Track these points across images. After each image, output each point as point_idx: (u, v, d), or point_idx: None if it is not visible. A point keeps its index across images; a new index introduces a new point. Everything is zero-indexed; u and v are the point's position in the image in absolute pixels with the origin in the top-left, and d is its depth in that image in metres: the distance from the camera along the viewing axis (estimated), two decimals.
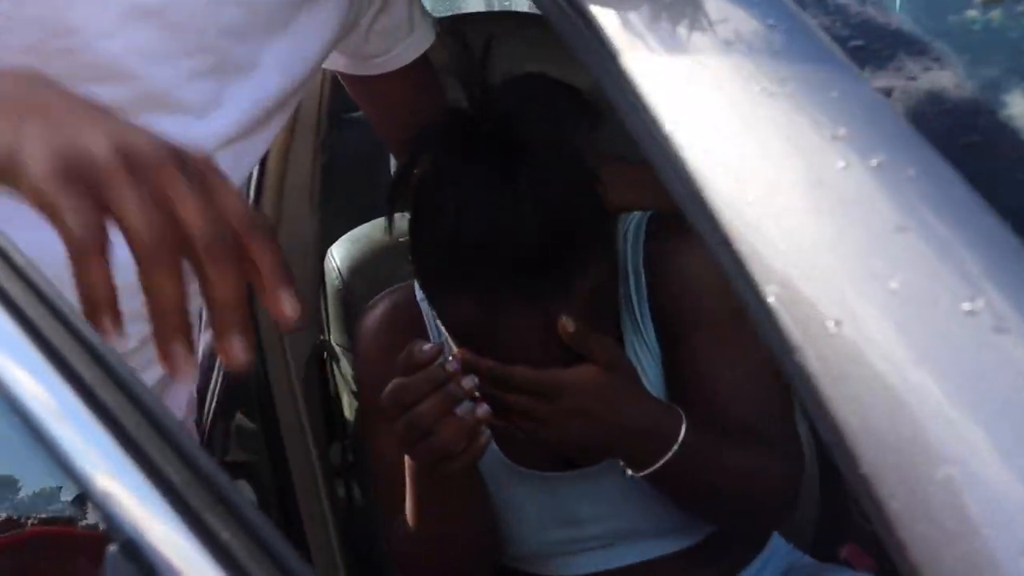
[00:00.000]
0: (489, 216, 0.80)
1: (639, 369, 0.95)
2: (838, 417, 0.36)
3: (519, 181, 0.80)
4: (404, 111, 1.07)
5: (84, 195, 0.48)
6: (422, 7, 1.07)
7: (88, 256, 0.47)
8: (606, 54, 0.52)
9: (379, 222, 1.42)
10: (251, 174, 1.25)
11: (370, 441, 1.08)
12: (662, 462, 0.85)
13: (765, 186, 0.42)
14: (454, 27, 1.22)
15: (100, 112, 0.55)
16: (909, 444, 0.35)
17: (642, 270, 0.98)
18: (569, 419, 0.83)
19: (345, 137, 1.72)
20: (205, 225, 0.49)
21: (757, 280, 0.40)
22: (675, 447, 0.84)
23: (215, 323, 0.48)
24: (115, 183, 0.49)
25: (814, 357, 0.38)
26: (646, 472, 0.86)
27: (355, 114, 1.98)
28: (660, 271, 0.97)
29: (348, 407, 1.37)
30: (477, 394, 0.82)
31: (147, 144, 0.51)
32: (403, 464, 0.93)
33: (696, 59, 0.48)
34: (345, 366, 1.36)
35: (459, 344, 0.87)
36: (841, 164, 0.40)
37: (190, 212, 0.49)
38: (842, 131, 0.41)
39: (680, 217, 1.02)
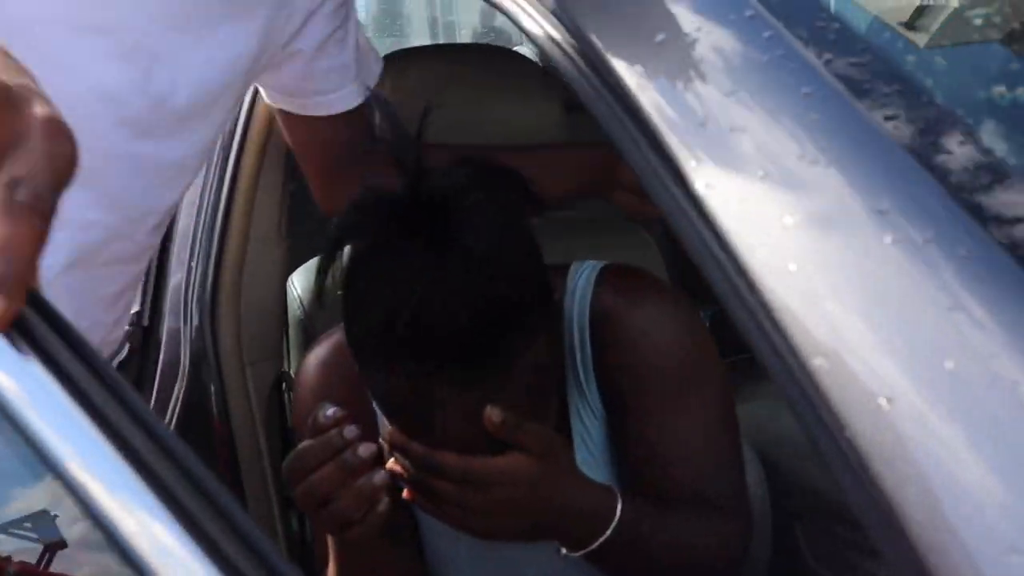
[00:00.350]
0: (420, 303, 0.75)
1: (583, 432, 0.93)
2: (891, 499, 0.35)
3: (452, 269, 0.75)
4: (333, 150, 1.05)
5: None
6: (374, 54, 1.06)
7: None
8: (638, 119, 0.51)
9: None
10: (222, 197, 1.23)
11: None
12: (598, 543, 0.82)
13: (808, 256, 0.41)
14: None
15: None
16: (968, 529, 0.33)
17: (587, 327, 0.93)
18: (498, 509, 0.80)
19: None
20: None
21: (802, 351, 0.39)
22: (611, 527, 0.82)
23: None
24: None
25: (863, 434, 0.36)
26: (582, 552, 0.84)
27: None
28: (606, 329, 0.93)
29: None
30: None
31: None
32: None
33: (733, 126, 0.47)
34: None
35: (390, 419, 0.84)
36: (888, 239, 0.39)
37: None
38: (886, 204, 0.40)
39: (632, 271, 1.02)
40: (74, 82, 0.80)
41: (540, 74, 1.46)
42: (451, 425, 0.78)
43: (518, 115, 1.39)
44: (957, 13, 0.63)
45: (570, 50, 0.58)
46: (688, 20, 0.52)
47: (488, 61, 1.50)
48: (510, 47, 2.19)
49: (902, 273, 0.38)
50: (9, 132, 0.37)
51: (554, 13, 0.61)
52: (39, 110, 0.38)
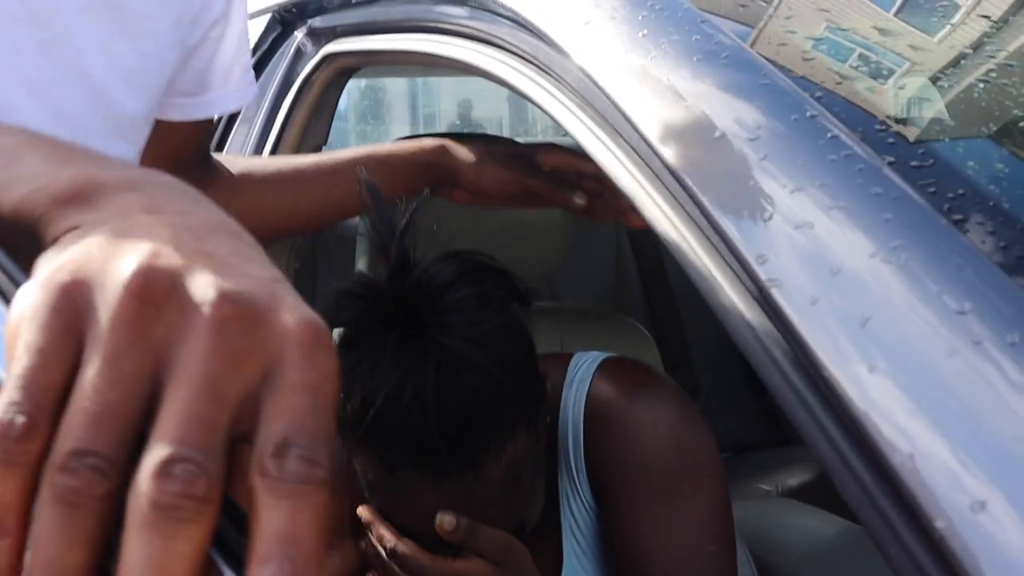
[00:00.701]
0: (389, 398, 0.73)
1: (572, 523, 0.91)
2: None
3: (425, 368, 0.73)
4: (174, 157, 0.93)
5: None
6: (249, 68, 0.99)
7: None
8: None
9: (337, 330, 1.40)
10: None
11: None
12: None
13: (890, 356, 0.40)
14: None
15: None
16: None
17: (581, 418, 0.91)
18: None
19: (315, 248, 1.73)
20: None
21: (884, 450, 0.38)
22: None
23: None
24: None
25: (955, 535, 0.35)
26: None
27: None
28: (599, 421, 0.91)
29: None
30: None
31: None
32: None
33: (800, 223, 0.47)
34: None
35: (368, 492, 0.82)
36: (973, 340, 0.38)
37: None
38: (967, 305, 0.40)
39: (632, 364, 1.01)
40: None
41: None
42: (421, 511, 0.76)
43: (522, 217, 1.42)
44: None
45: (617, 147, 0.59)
46: (748, 117, 0.52)
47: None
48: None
49: (991, 376, 0.37)
50: (262, 361, 0.26)
51: (600, 111, 0.61)
52: (289, 316, 0.27)
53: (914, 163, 0.47)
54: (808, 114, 0.50)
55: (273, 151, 1.21)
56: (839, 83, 0.60)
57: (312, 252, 1.70)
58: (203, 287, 0.27)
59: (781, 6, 0.75)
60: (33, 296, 0.27)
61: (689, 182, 0.51)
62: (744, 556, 1.31)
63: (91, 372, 0.26)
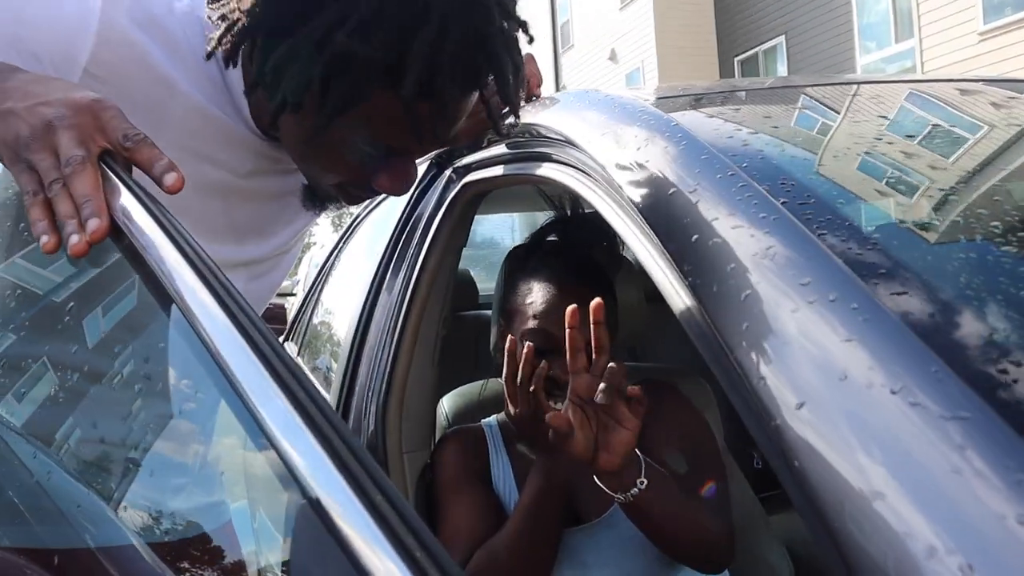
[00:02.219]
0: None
1: None
2: None
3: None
4: None
5: (28, 169, 0.71)
6: None
7: (34, 207, 0.68)
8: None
9: (478, 383, 1.59)
10: (396, 332, 1.46)
11: (443, 512, 1.26)
12: (634, 491, 0.97)
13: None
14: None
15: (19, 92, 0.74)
16: None
17: None
18: (615, 439, 0.94)
19: (458, 323, 1.92)
20: (50, 172, 0.69)
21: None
22: (640, 479, 0.97)
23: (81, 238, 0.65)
24: (34, 156, 0.70)
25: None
26: (626, 497, 0.98)
27: (467, 312, 2.23)
28: None
29: None
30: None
31: (44, 110, 0.71)
32: (468, 528, 1.16)
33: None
34: None
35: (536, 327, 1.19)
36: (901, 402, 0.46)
37: (43, 167, 0.70)
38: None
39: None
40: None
41: (627, 266, 1.62)
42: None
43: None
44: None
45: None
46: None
47: None
48: None
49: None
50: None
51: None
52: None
53: (799, 203, 0.67)
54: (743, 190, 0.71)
55: (432, 243, 1.43)
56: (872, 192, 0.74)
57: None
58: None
59: (811, 132, 0.92)
60: None
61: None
62: (783, 559, 1.43)
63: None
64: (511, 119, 1.07)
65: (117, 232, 0.67)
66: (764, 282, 0.57)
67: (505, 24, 0.90)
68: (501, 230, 4.39)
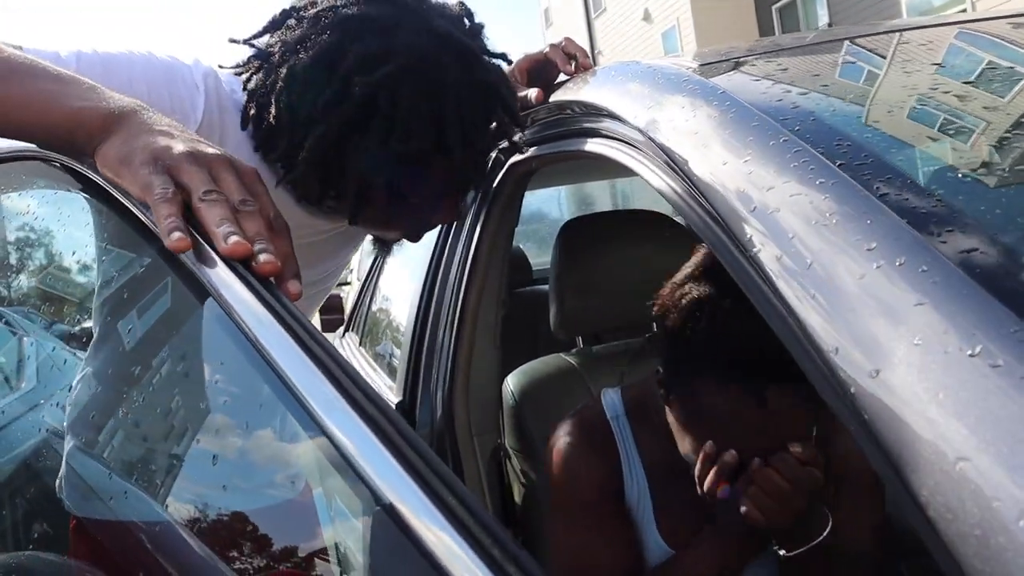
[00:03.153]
0: None
1: None
2: None
3: None
4: None
5: (164, 173, 0.68)
6: None
7: (167, 200, 0.66)
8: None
9: (540, 360, 1.60)
10: (455, 319, 1.47)
11: (557, 527, 1.15)
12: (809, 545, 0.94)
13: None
14: None
15: (180, 130, 0.75)
16: None
17: None
18: (789, 505, 0.92)
19: (515, 301, 1.93)
20: (237, 193, 0.68)
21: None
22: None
23: (259, 264, 0.64)
24: (184, 167, 0.68)
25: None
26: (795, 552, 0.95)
27: (522, 289, 2.23)
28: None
29: (518, 495, 1.49)
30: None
31: (208, 149, 0.71)
32: (581, 549, 1.08)
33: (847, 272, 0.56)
34: (516, 463, 1.49)
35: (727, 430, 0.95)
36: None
37: (228, 184, 0.69)
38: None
39: None
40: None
41: (682, 232, 1.62)
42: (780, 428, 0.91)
43: (666, 265, 1.57)
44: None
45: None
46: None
47: (643, 224, 1.66)
48: None
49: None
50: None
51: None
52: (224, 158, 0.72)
53: (857, 163, 0.66)
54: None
55: (484, 226, 1.44)
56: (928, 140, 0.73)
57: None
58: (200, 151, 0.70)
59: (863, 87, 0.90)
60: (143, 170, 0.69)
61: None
62: None
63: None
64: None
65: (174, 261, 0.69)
66: (828, 249, 0.57)
67: (493, 61, 1.11)
68: (548, 203, 4.39)
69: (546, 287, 1.65)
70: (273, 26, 1.08)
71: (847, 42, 1.08)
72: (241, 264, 0.64)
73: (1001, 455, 0.41)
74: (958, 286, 0.49)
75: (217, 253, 0.64)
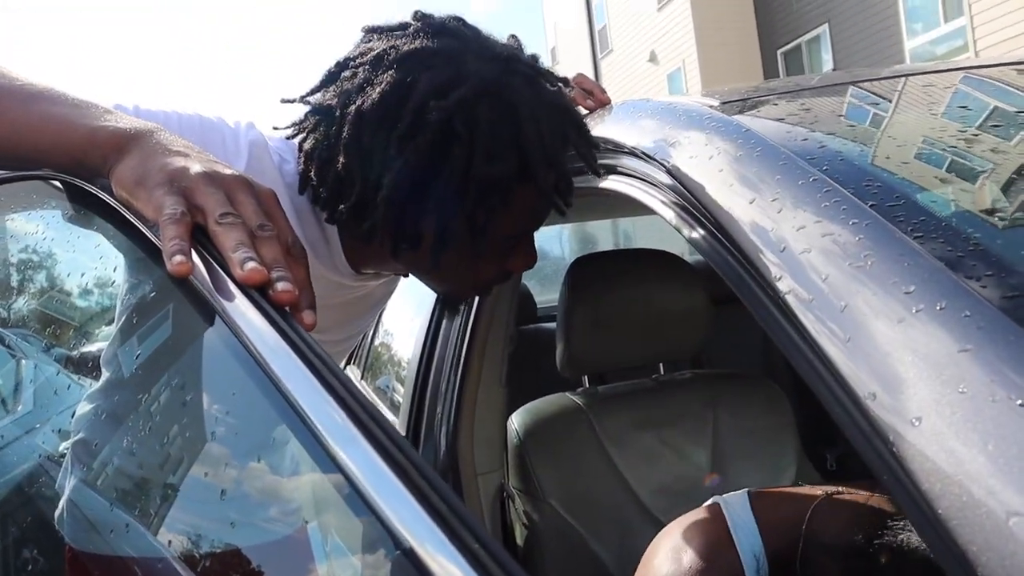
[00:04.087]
0: None
1: None
2: None
3: None
4: None
5: (179, 195, 0.66)
6: None
7: (175, 222, 0.64)
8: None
9: (546, 399, 1.58)
10: (461, 359, 1.46)
11: None
12: None
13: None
14: None
15: (197, 151, 0.73)
16: None
17: None
18: None
19: (520, 339, 1.92)
20: (254, 217, 0.66)
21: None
22: None
23: (276, 292, 0.62)
24: (200, 188, 0.67)
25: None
26: None
27: (527, 326, 2.22)
28: None
29: (520, 536, 1.47)
30: None
31: (225, 170, 0.69)
32: None
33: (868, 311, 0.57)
34: (519, 503, 1.46)
35: None
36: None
37: (245, 207, 0.66)
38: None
39: None
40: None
41: (691, 272, 1.61)
42: None
43: (674, 305, 1.58)
44: None
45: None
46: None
47: (651, 263, 1.65)
48: None
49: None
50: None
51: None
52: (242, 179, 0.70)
53: (889, 204, 0.65)
54: (865, 223, 0.64)
55: None
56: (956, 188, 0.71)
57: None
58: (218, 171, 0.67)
59: (888, 129, 0.89)
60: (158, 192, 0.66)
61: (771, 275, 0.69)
62: None
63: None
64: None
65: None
66: (864, 292, 0.55)
67: (558, 85, 1.06)
68: (550, 242, 4.39)
69: (550, 325, 1.64)
70: (329, 79, 1.04)
71: (866, 84, 1.08)
72: (257, 291, 0.62)
73: None
74: (1004, 332, 0.47)
75: (232, 279, 0.63)
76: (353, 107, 0.97)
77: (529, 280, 3.05)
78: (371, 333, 2.55)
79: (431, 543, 0.45)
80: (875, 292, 0.55)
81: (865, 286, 0.56)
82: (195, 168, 0.69)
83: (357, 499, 0.50)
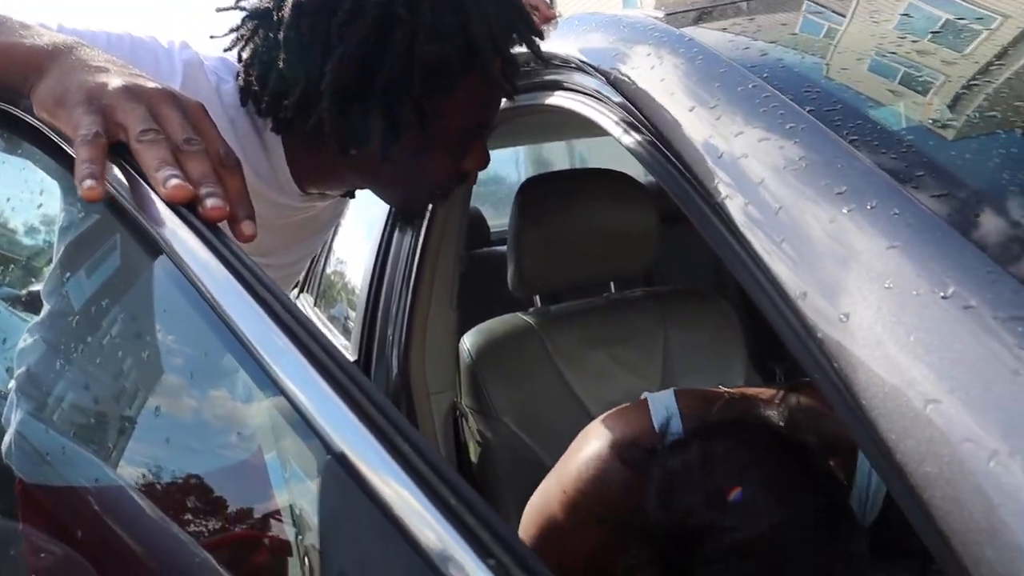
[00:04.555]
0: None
1: None
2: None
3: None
4: None
5: (97, 113, 0.63)
6: None
7: (88, 143, 0.61)
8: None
9: (498, 319, 1.59)
10: (411, 282, 1.45)
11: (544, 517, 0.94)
12: None
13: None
14: None
15: (120, 65, 0.70)
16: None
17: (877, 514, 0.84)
18: None
19: (472, 262, 1.91)
20: (180, 131, 0.63)
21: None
22: None
23: (206, 209, 0.59)
24: (120, 105, 0.64)
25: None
26: None
27: (479, 250, 2.22)
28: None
29: (473, 454, 1.49)
30: None
31: (148, 83, 0.66)
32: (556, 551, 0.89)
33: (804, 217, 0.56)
34: (472, 422, 1.48)
35: None
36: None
37: (170, 122, 0.63)
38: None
39: None
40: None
41: (642, 191, 1.61)
42: None
43: (625, 224, 1.57)
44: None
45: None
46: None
47: (602, 182, 1.64)
48: None
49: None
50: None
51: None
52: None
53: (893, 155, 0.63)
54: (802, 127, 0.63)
55: None
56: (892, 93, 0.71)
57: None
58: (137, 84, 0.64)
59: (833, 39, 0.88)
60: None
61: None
62: None
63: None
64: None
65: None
66: (798, 194, 0.56)
67: None
68: (505, 165, 4.35)
69: (503, 248, 1.64)
70: None
71: None
72: (189, 210, 0.61)
73: (972, 397, 0.41)
74: (931, 229, 0.48)
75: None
76: (290, 1, 0.94)
77: (483, 204, 3.03)
78: (323, 261, 2.52)
79: (361, 447, 0.45)
80: (808, 194, 0.55)
81: (799, 188, 0.56)
82: (115, 83, 0.66)
83: (293, 412, 0.50)
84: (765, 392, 0.87)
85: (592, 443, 0.89)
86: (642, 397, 0.93)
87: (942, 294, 0.45)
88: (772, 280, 0.55)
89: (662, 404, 0.91)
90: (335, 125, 0.96)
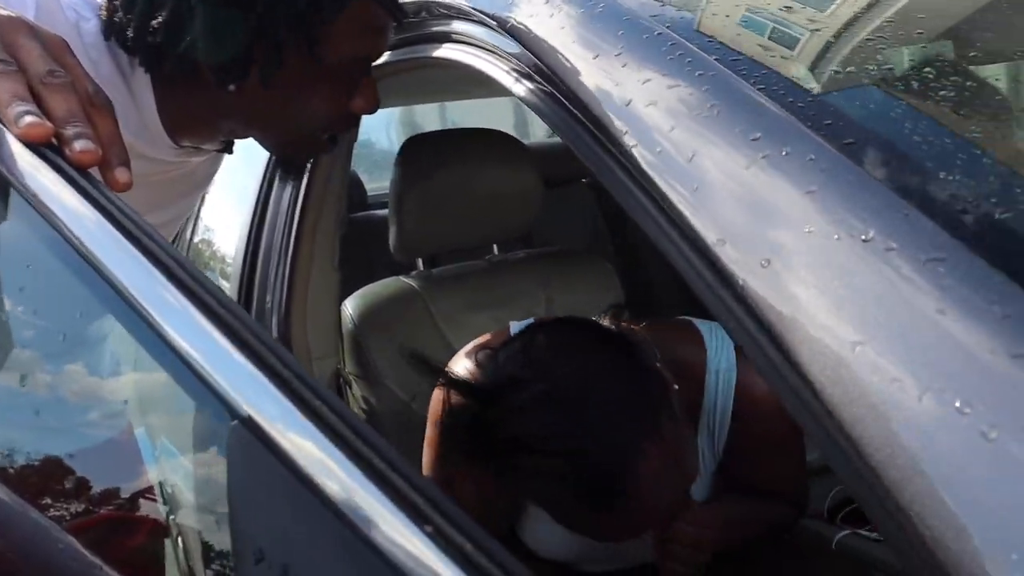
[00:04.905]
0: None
1: (700, 460, 1.06)
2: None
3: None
4: None
5: None
6: None
7: None
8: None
9: (380, 283, 1.54)
10: (291, 242, 1.39)
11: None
12: None
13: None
14: None
15: None
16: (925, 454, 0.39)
17: (730, 402, 1.03)
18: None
19: (354, 225, 1.86)
20: (40, 63, 0.56)
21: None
22: None
23: (75, 153, 0.54)
24: None
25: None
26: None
27: (358, 214, 2.15)
28: (748, 405, 1.03)
29: None
30: None
31: (3, 17, 0.59)
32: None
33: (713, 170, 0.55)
34: (356, 389, 1.44)
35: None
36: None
37: (27, 52, 0.57)
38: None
39: None
40: None
41: (523, 151, 1.60)
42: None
43: (506, 185, 1.56)
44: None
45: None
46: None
47: (483, 142, 1.62)
48: None
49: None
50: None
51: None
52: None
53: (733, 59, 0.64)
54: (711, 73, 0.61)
55: None
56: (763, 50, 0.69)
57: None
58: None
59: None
60: None
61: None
62: None
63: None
64: None
65: None
66: (711, 141, 0.55)
67: None
68: (377, 131, 4.26)
69: (382, 212, 1.59)
70: None
71: None
72: (56, 154, 0.54)
73: (899, 336, 0.41)
74: (847, 173, 0.48)
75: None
76: None
77: (359, 167, 2.95)
78: (190, 230, 2.39)
79: (270, 408, 0.42)
80: (722, 141, 0.54)
81: (712, 136, 0.55)
82: None
83: (190, 374, 0.46)
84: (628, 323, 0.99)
85: (451, 367, 1.00)
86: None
87: (863, 238, 0.45)
88: (687, 229, 0.54)
89: (521, 325, 1.06)
90: (210, 48, 0.87)
